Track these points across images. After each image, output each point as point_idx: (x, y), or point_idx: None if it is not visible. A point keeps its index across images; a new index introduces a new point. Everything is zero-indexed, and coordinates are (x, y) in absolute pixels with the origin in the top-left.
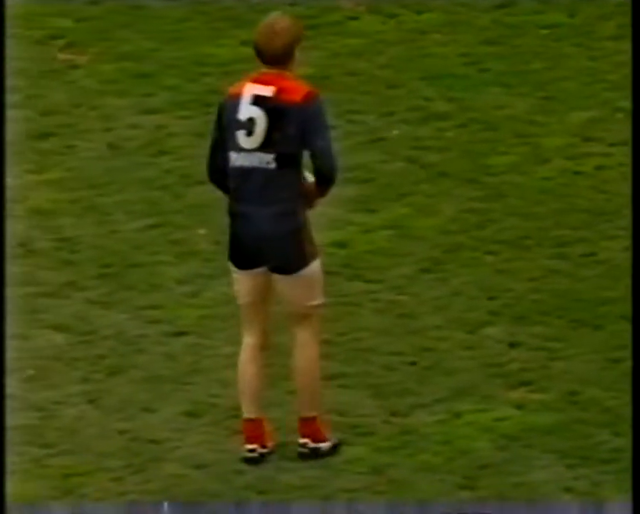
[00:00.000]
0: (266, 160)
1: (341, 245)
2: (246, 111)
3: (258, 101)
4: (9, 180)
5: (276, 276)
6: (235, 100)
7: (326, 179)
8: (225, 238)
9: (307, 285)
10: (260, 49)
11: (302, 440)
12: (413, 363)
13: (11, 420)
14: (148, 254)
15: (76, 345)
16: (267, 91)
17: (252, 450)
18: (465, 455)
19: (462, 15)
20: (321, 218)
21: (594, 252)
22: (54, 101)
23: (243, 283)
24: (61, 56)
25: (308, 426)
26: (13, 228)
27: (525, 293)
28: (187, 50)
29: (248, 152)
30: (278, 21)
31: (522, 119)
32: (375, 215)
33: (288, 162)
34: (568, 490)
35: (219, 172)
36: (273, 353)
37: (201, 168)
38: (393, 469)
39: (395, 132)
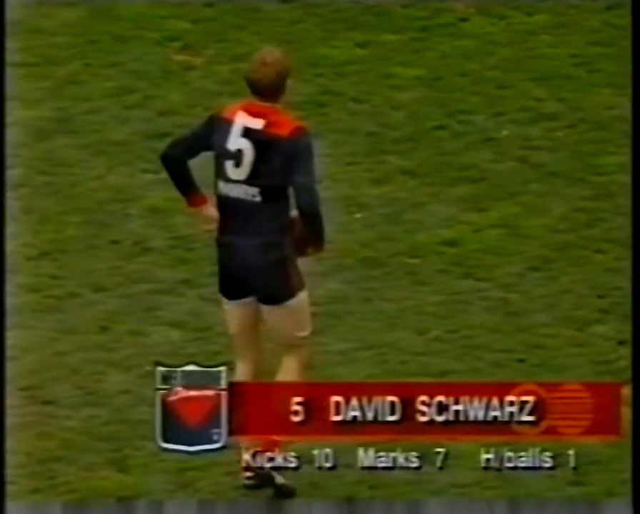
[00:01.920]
0: (252, 193)
1: (451, 243)
2: (236, 141)
3: (247, 132)
4: (125, 180)
5: (263, 307)
6: (226, 125)
7: (305, 215)
8: (341, 237)
9: (294, 315)
10: (251, 81)
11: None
12: (522, 360)
13: (128, 415)
14: None
15: (191, 342)
16: (257, 123)
17: (250, 478)
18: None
19: (572, 16)
20: (432, 217)
21: None
22: (170, 102)
23: (232, 313)
24: (177, 57)
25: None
26: (130, 227)
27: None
28: (301, 51)
29: (234, 183)
30: (269, 53)
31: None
32: (485, 214)
33: (274, 195)
34: None
35: (175, 161)
36: (388, 350)
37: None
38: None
39: (505, 132)
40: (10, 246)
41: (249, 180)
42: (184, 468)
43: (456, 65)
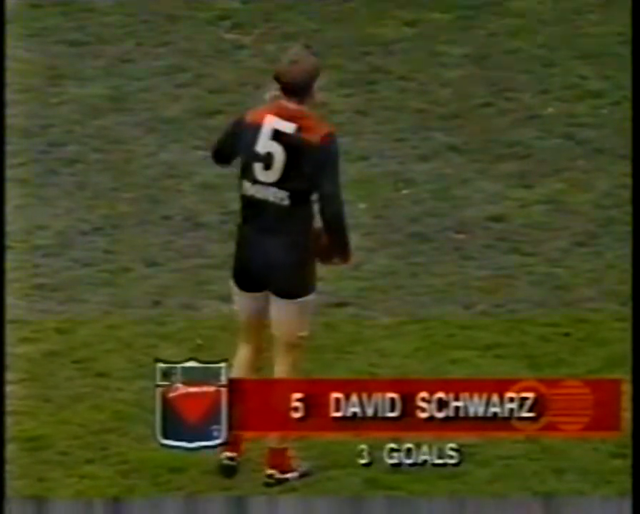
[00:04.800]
0: (280, 196)
1: (498, 219)
2: (266, 144)
3: (278, 135)
4: (177, 156)
5: (274, 300)
6: (254, 129)
7: (329, 224)
8: (389, 213)
9: (300, 313)
10: (280, 78)
11: (269, 471)
12: (568, 334)
13: None
14: None
15: None
16: (288, 127)
17: (231, 458)
18: None
19: None
20: (478, 193)
21: None
22: (221, 80)
23: (243, 303)
24: (227, 36)
25: (277, 458)
26: (181, 203)
27: None
28: (350, 30)
29: (263, 185)
30: (298, 52)
31: None
32: (531, 190)
33: (302, 199)
34: None
35: (222, 164)
36: (435, 324)
37: (362, 144)
38: (547, 437)
39: (550, 109)
40: (64, 221)
41: (279, 184)
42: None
43: (502, 43)
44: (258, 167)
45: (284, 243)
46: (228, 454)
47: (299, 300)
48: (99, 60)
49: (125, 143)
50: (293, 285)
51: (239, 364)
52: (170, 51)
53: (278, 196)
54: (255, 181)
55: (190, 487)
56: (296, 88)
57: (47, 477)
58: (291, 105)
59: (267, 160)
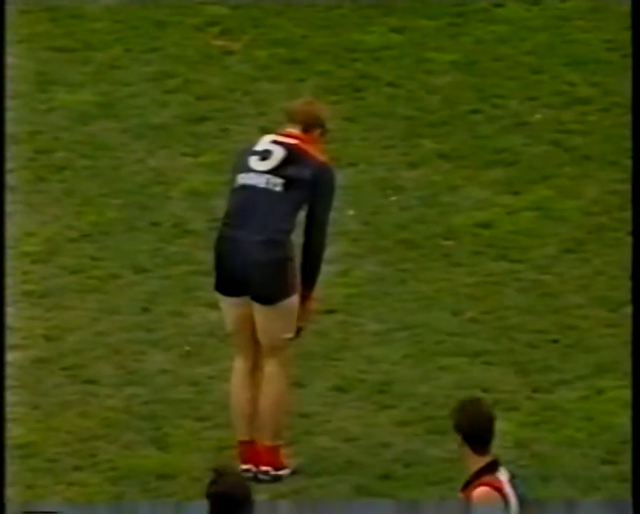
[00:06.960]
0: (274, 182)
1: (486, 225)
2: (264, 145)
3: (278, 142)
4: (165, 163)
5: (255, 305)
6: (253, 146)
7: (310, 249)
8: (377, 219)
9: (284, 317)
10: (289, 111)
11: (264, 468)
12: (556, 341)
13: (168, 395)
14: (298, 235)
15: None
16: (290, 140)
17: (247, 470)
18: (607, 431)
19: (605, 1)
20: (466, 200)
21: None
22: (210, 86)
23: (229, 311)
24: (216, 42)
25: (271, 455)
26: (169, 209)
27: None
28: (337, 36)
29: (257, 173)
30: (314, 99)
31: None
32: (519, 197)
33: (294, 186)
34: None
35: None
36: (423, 331)
37: (351, 151)
38: (536, 444)
39: (538, 116)
40: (52, 228)
41: (275, 171)
42: (223, 446)
43: (490, 50)
44: (253, 159)
45: (263, 242)
46: (244, 466)
47: (280, 304)
48: (88, 66)
49: (113, 149)
50: (272, 289)
51: (235, 379)
52: (158, 57)
53: (272, 182)
54: (249, 170)
55: (179, 494)
56: (303, 121)
57: (36, 484)
58: (296, 131)
59: (264, 155)
